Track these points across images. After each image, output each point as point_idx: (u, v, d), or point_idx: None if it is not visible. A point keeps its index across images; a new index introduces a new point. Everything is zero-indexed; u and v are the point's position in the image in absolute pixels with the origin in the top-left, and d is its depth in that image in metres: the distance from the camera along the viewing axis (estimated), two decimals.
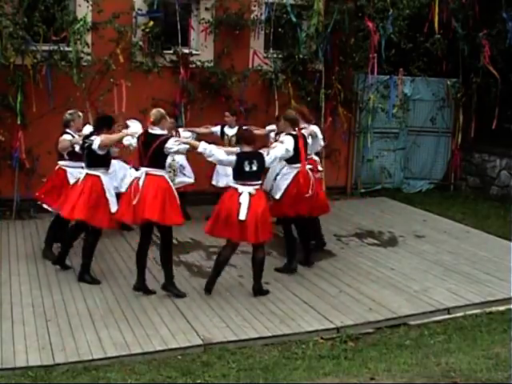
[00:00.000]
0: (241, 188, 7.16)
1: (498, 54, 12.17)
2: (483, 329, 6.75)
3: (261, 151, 7.43)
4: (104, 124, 7.70)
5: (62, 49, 10.27)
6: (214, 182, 10.21)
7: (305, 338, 6.52)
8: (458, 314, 7.18)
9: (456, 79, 13.05)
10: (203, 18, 11.42)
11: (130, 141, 7.57)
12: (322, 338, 6.55)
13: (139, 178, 7.16)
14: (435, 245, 9.60)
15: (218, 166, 9.86)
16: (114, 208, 7.56)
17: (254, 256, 7.45)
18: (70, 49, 10.15)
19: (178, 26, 11.11)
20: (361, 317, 6.97)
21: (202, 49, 11.50)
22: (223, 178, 9.88)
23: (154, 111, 7.39)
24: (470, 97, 13.02)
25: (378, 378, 5.21)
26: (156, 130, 7.24)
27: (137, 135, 7.43)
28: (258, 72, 11.67)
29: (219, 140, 10.02)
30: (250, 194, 7.13)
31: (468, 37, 12.46)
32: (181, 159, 9.89)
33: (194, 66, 11.39)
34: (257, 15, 11.62)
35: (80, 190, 7.56)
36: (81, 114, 8.56)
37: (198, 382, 5.55)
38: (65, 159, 8.37)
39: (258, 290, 7.46)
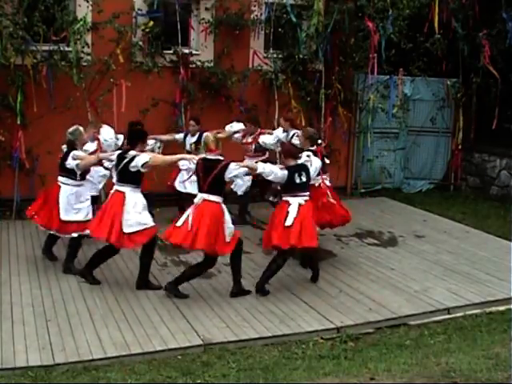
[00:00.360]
0: (291, 199, 7.45)
1: (498, 54, 12.18)
2: (483, 329, 6.76)
3: (305, 163, 7.70)
4: (138, 138, 7.51)
5: (62, 49, 10.28)
6: (177, 187, 9.97)
7: (305, 338, 6.52)
8: (458, 314, 7.19)
9: (456, 79, 13.06)
10: (203, 18, 11.42)
11: (188, 166, 7.41)
12: (322, 338, 6.55)
13: (196, 204, 7.14)
14: (435, 245, 9.60)
15: (183, 171, 9.72)
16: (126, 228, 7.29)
17: (274, 259, 7.59)
18: (70, 49, 10.16)
19: (178, 26, 11.11)
20: (361, 317, 6.97)
21: (202, 49, 11.50)
22: (187, 183, 9.81)
23: (210, 136, 7.38)
24: (470, 97, 13.03)
25: (378, 378, 5.21)
26: (215, 155, 7.25)
27: (195, 160, 7.32)
28: (258, 72, 11.67)
29: (180, 147, 9.99)
30: (299, 203, 7.41)
31: (468, 37, 12.47)
32: None
33: (194, 66, 11.40)
34: (257, 15, 11.62)
35: (104, 206, 7.46)
36: (82, 128, 8.21)
37: (198, 382, 5.55)
38: (70, 177, 7.90)
39: (261, 289, 7.47)
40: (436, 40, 12.09)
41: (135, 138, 7.54)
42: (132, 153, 7.33)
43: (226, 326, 6.64)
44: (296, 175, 7.48)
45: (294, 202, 7.42)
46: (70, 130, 8.07)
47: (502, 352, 5.63)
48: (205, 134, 7.62)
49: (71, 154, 7.86)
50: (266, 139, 9.87)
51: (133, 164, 7.26)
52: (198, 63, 11.38)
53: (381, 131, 13.01)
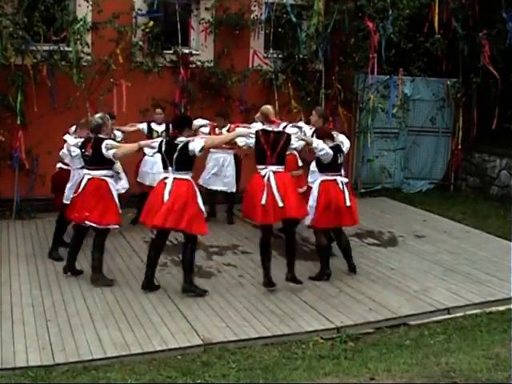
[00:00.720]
0: (339, 178, 7.83)
1: (497, 54, 12.19)
2: (483, 329, 6.75)
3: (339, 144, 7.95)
4: (185, 123, 7.38)
5: (62, 49, 10.29)
6: (139, 179, 9.84)
7: (305, 338, 6.51)
8: (458, 314, 7.18)
9: (456, 79, 13.06)
10: (203, 18, 11.42)
11: (246, 141, 7.39)
12: (322, 338, 6.54)
13: (267, 177, 7.21)
14: (435, 245, 9.60)
15: (142, 164, 9.72)
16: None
17: (340, 240, 8.13)
18: (70, 49, 10.17)
19: (178, 26, 11.12)
20: (361, 317, 6.97)
21: (202, 49, 11.50)
22: (149, 175, 9.72)
23: (270, 109, 7.48)
24: (469, 97, 13.04)
25: (378, 378, 5.20)
26: (276, 127, 7.41)
27: (253, 135, 7.36)
28: (258, 72, 11.68)
29: (145, 137, 9.61)
30: (343, 182, 7.84)
31: (468, 37, 12.48)
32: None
33: (194, 66, 11.40)
34: (257, 15, 11.63)
35: (174, 196, 7.09)
36: (109, 117, 7.95)
37: (198, 382, 5.54)
38: (108, 167, 7.55)
39: (353, 266, 8.12)
40: (436, 40, 12.09)
41: (182, 123, 7.38)
42: (182, 139, 7.17)
43: (225, 325, 6.64)
44: (338, 155, 7.78)
45: (340, 182, 7.78)
46: (99, 114, 7.80)
47: (502, 352, 5.62)
48: (264, 106, 7.63)
49: (104, 144, 7.46)
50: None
51: (190, 149, 7.11)
52: (198, 63, 11.38)
53: (381, 131, 13.01)
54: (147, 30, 10.81)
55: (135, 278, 7.87)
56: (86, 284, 7.60)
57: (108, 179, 7.57)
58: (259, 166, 7.35)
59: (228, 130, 10.00)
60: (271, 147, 7.25)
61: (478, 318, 7.08)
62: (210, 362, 5.94)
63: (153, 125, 10.03)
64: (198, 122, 10.03)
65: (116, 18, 10.32)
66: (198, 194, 7.28)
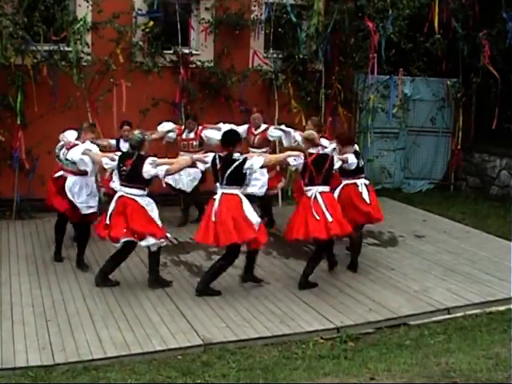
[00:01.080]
0: (358, 181, 8.25)
1: (497, 54, 12.19)
2: (483, 329, 6.75)
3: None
4: (237, 139, 7.42)
5: (62, 49, 10.29)
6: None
7: (305, 338, 6.52)
8: (458, 314, 7.18)
9: (456, 79, 13.07)
10: (203, 18, 11.42)
11: (298, 161, 7.55)
12: (322, 338, 6.55)
13: (314, 197, 7.47)
14: (435, 245, 9.60)
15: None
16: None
17: (354, 239, 8.33)
18: (70, 49, 10.17)
19: (178, 26, 11.12)
20: (361, 317, 6.97)
21: (202, 49, 11.50)
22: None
23: (314, 133, 7.78)
24: (469, 97, 13.05)
25: (377, 378, 5.20)
26: (322, 150, 7.72)
27: (302, 156, 7.54)
28: (258, 72, 11.68)
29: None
30: (365, 184, 8.28)
31: (468, 37, 12.48)
32: None
33: (194, 66, 11.40)
34: (257, 15, 11.63)
35: (224, 211, 7.14)
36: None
37: (198, 382, 5.54)
38: (141, 187, 7.29)
39: (355, 264, 8.32)
40: (436, 40, 12.09)
41: (234, 139, 7.41)
42: (238, 155, 7.28)
43: (225, 325, 6.64)
44: (360, 160, 8.23)
45: (361, 184, 8.23)
46: (137, 131, 7.55)
47: (502, 352, 5.63)
48: (310, 132, 7.86)
49: (148, 161, 7.25)
50: (211, 134, 9.78)
51: (247, 166, 7.23)
52: (198, 63, 11.38)
53: (381, 131, 13.02)
54: (147, 29, 10.81)
55: (135, 277, 7.88)
56: (86, 284, 7.61)
57: (137, 198, 7.33)
58: (306, 188, 7.58)
59: (196, 133, 9.96)
60: (317, 169, 7.53)
61: (478, 318, 7.08)
62: (210, 362, 5.94)
63: (121, 142, 9.55)
64: (163, 128, 9.97)
65: (116, 18, 10.32)
66: (249, 206, 7.30)
